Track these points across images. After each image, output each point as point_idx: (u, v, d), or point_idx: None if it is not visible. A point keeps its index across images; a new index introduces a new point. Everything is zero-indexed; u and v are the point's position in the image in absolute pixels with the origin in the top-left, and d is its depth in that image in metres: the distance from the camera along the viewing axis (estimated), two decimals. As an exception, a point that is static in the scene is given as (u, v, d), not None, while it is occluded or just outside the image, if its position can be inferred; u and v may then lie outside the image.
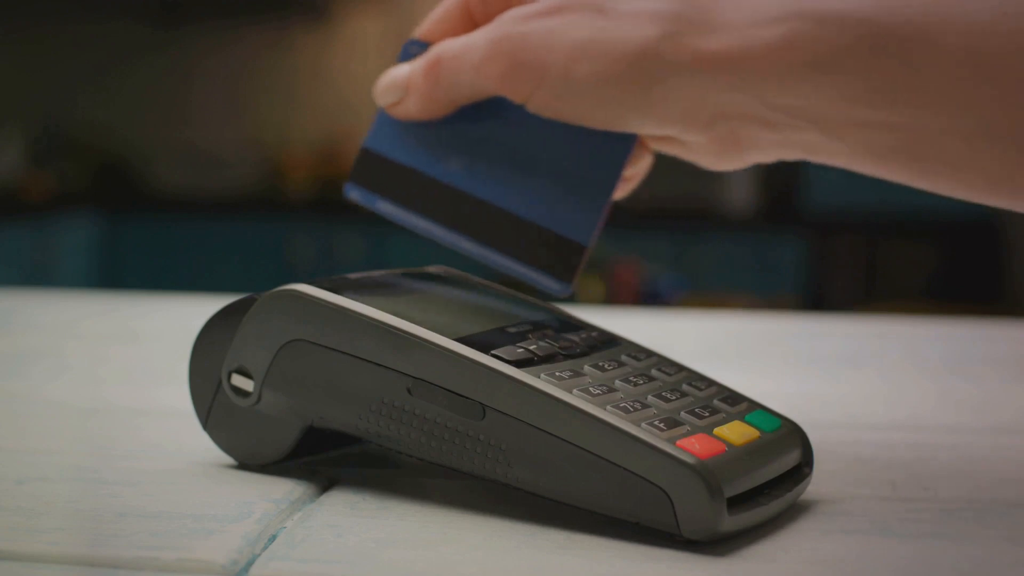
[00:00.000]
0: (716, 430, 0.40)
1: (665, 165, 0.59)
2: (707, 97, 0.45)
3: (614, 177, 0.49)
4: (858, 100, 0.43)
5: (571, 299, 0.52)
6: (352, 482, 0.44)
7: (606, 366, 0.42)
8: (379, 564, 0.36)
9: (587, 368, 0.41)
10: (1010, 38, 0.41)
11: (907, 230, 3.70)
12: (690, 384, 0.43)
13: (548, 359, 0.41)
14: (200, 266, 3.83)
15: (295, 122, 4.15)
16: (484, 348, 0.40)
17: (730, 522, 0.37)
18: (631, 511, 0.38)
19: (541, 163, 0.49)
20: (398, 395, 0.41)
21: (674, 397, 0.41)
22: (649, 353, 0.45)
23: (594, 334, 0.45)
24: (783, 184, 3.78)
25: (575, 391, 0.39)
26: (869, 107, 0.43)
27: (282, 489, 0.43)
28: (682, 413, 0.40)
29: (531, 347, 0.41)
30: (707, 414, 0.41)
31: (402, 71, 0.51)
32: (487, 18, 0.50)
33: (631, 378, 0.42)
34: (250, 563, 0.36)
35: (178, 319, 0.86)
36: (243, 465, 0.45)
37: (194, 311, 0.55)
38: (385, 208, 0.51)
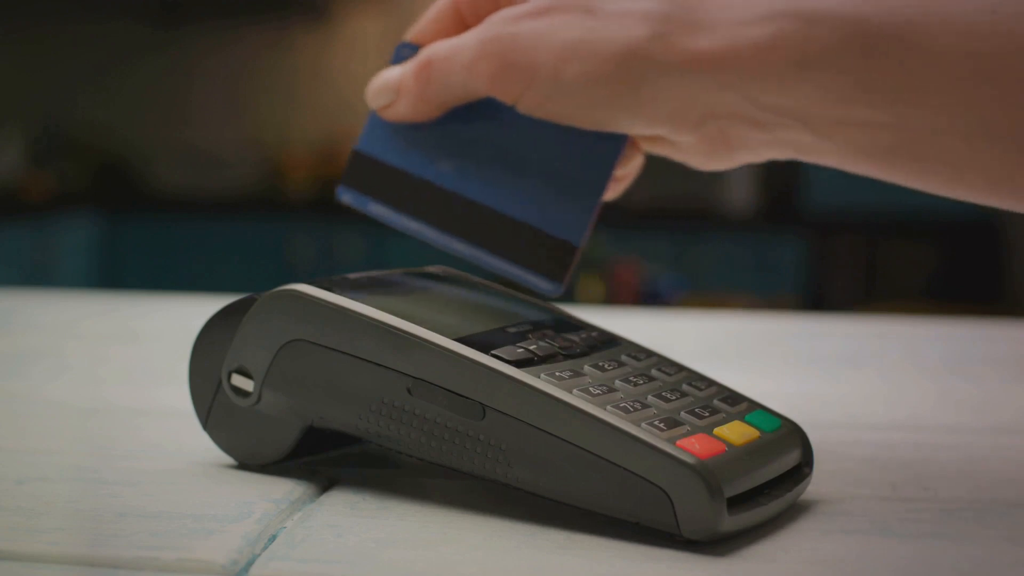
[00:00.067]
0: (716, 430, 0.40)
1: (665, 165, 0.59)
2: (696, 97, 0.45)
3: (605, 177, 0.49)
4: (848, 100, 0.43)
5: (571, 299, 0.52)
6: (352, 482, 0.44)
7: (606, 366, 0.42)
8: (379, 564, 0.36)
9: (587, 368, 0.41)
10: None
11: (907, 230, 3.70)
12: (690, 384, 0.43)
13: (548, 359, 0.41)
14: (200, 266, 3.83)
15: (295, 122, 4.15)
16: (484, 348, 0.40)
17: (730, 522, 0.37)
18: (631, 511, 0.38)
19: (532, 163, 0.49)
20: (398, 395, 0.41)
21: (674, 397, 0.41)
22: (649, 353, 0.45)
23: (594, 334, 0.45)
24: (783, 184, 3.78)
25: (575, 391, 0.39)
26: (859, 107, 0.43)
27: (282, 489, 0.43)
28: (682, 413, 0.40)
29: (531, 347, 0.41)
30: (707, 414, 0.41)
31: (393, 73, 0.51)
32: (477, 19, 0.50)
33: (631, 378, 0.42)
34: (250, 563, 0.36)
35: (178, 319, 0.86)
36: (243, 465, 0.45)
37: (194, 311, 0.55)
38: (377, 211, 0.51)
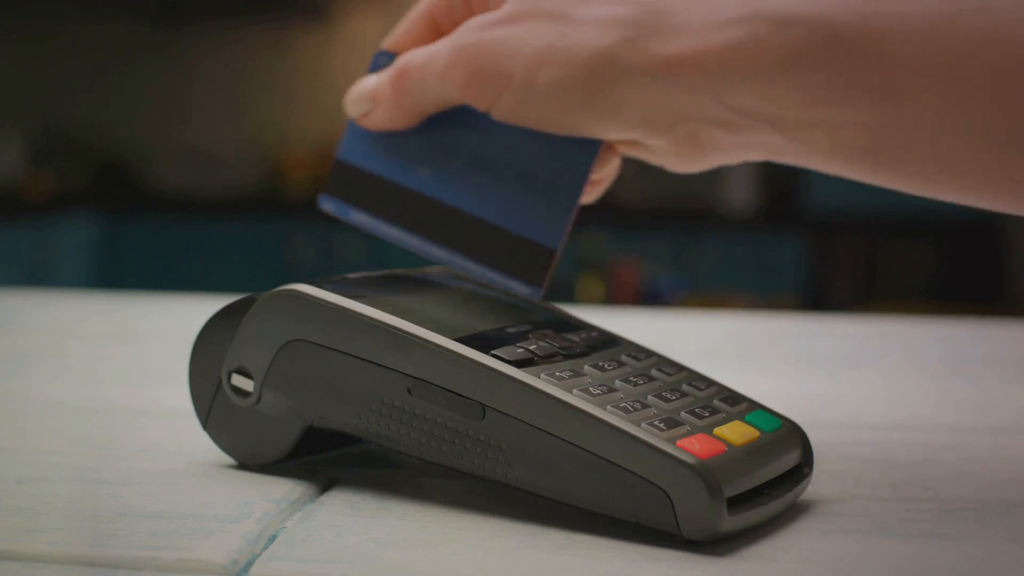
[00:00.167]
0: (716, 430, 0.40)
1: (665, 165, 0.59)
2: (667, 101, 0.46)
3: (581, 181, 0.50)
4: (818, 101, 0.44)
5: (571, 299, 0.52)
6: (352, 482, 0.44)
7: (606, 366, 0.42)
8: (379, 564, 0.36)
9: (587, 368, 0.41)
10: (975, 35, 0.41)
11: (907, 230, 3.70)
12: (690, 384, 0.43)
13: (548, 359, 0.41)
14: (200, 266, 3.83)
15: (295, 122, 4.15)
16: (484, 348, 0.40)
17: (730, 522, 0.37)
18: (631, 511, 0.38)
19: (509, 169, 0.50)
20: (398, 395, 0.41)
21: (674, 397, 0.41)
22: (649, 353, 0.45)
23: (594, 334, 0.45)
24: (783, 184, 3.78)
25: (575, 391, 0.39)
26: (830, 108, 0.44)
27: (282, 489, 0.43)
28: (682, 413, 0.40)
29: (531, 347, 0.41)
30: (707, 414, 0.41)
31: (370, 82, 0.51)
32: (452, 26, 0.51)
33: (631, 378, 0.42)
34: (250, 563, 0.36)
35: (178, 319, 0.86)
36: (243, 465, 0.45)
37: (194, 311, 0.55)
38: (358, 219, 0.52)
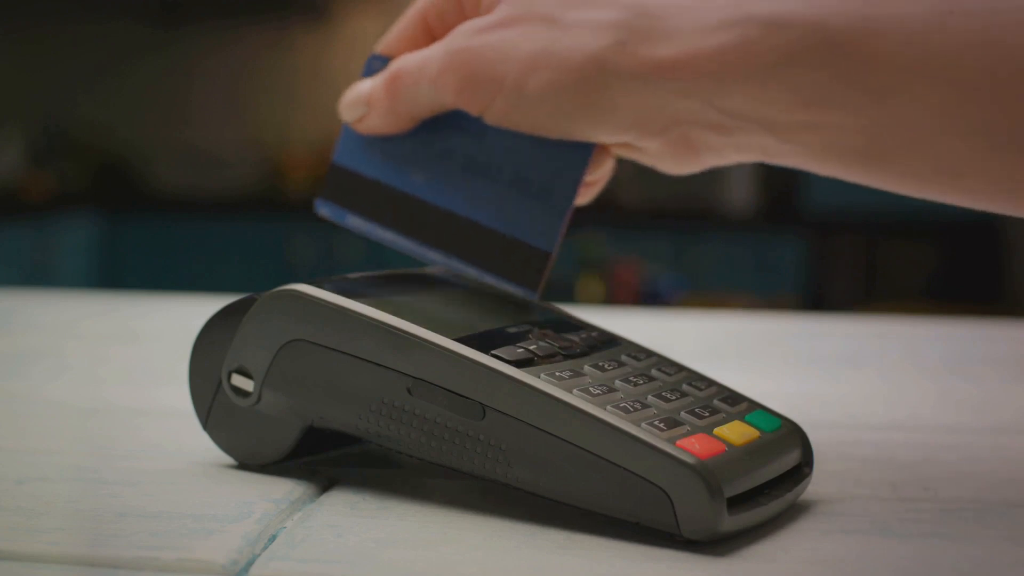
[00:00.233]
0: (716, 430, 0.40)
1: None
2: (659, 104, 0.46)
3: (575, 184, 0.50)
4: (810, 104, 0.44)
5: (571, 299, 0.52)
6: (352, 482, 0.44)
7: (606, 366, 0.42)
8: (379, 564, 0.36)
9: (587, 368, 0.41)
10: (964, 37, 0.42)
11: (907, 230, 3.70)
12: (690, 384, 0.43)
13: (548, 359, 0.41)
14: (200, 266, 3.83)
15: (295, 122, 4.15)
16: (484, 348, 0.40)
17: (730, 522, 0.37)
18: (631, 511, 0.38)
19: (503, 172, 0.50)
20: (398, 395, 0.41)
21: (674, 397, 0.41)
22: (649, 353, 0.45)
23: (594, 334, 0.45)
24: (783, 184, 3.78)
25: (575, 391, 0.39)
26: (822, 110, 0.44)
27: (282, 489, 0.43)
28: (682, 413, 0.40)
29: (531, 347, 0.41)
30: (707, 414, 0.41)
31: (364, 87, 0.52)
32: (445, 30, 0.51)
33: (631, 378, 0.42)
34: (250, 563, 0.36)
35: (178, 319, 0.86)
36: (243, 465, 0.45)
37: (194, 311, 0.55)
38: (354, 223, 0.52)
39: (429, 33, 0.52)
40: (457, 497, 0.42)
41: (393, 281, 0.48)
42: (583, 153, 0.49)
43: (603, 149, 0.51)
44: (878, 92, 0.43)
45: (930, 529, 0.40)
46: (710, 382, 0.44)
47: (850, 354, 0.83)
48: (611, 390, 0.40)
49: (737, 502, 0.38)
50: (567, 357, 0.42)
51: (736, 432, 0.40)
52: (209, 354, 0.45)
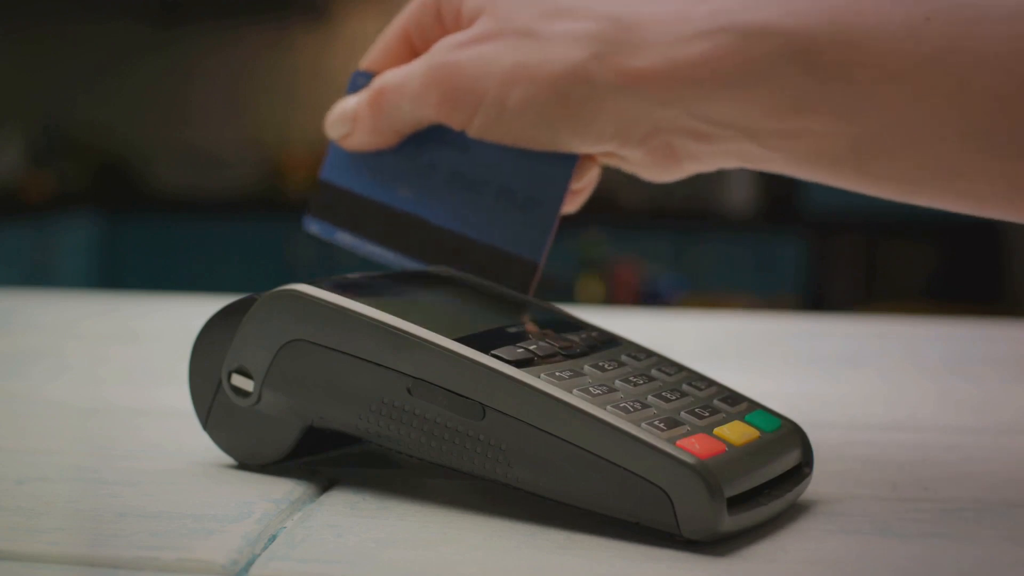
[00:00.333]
0: (716, 430, 0.40)
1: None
2: (639, 114, 0.46)
3: (560, 194, 0.50)
4: (788, 111, 0.44)
5: (571, 299, 0.52)
6: (352, 482, 0.44)
7: (606, 366, 0.42)
8: (379, 564, 0.36)
9: (587, 368, 0.41)
10: (932, 43, 0.42)
11: (907, 230, 3.70)
12: (690, 384, 0.43)
13: (548, 359, 0.41)
14: (200, 266, 3.83)
15: (295, 122, 4.15)
16: (484, 348, 0.40)
17: (730, 522, 0.37)
18: (631, 511, 0.38)
19: (488, 185, 0.50)
20: (398, 395, 0.41)
21: (674, 397, 0.41)
22: (649, 353, 0.45)
23: (594, 334, 0.45)
24: (783, 184, 3.78)
25: (575, 391, 0.39)
26: (802, 118, 0.44)
27: (282, 489, 0.43)
28: (682, 413, 0.40)
29: (531, 347, 0.41)
30: (707, 414, 0.41)
31: (349, 103, 0.52)
32: (426, 45, 0.52)
33: (631, 378, 0.42)
34: (250, 563, 0.36)
35: (178, 319, 0.86)
36: (243, 465, 0.45)
37: (194, 311, 0.55)
38: (343, 239, 0.53)
39: (411, 48, 0.53)
40: (457, 497, 0.42)
41: (393, 281, 0.48)
42: (567, 163, 0.50)
43: (588, 158, 0.51)
44: (856, 99, 0.43)
45: (930, 529, 0.40)
46: (710, 382, 0.44)
47: (850, 354, 0.83)
48: (611, 390, 0.40)
49: (737, 502, 0.38)
50: (567, 357, 0.42)
51: (736, 432, 0.40)
52: (209, 354, 0.45)
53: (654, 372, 0.43)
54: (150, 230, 3.96)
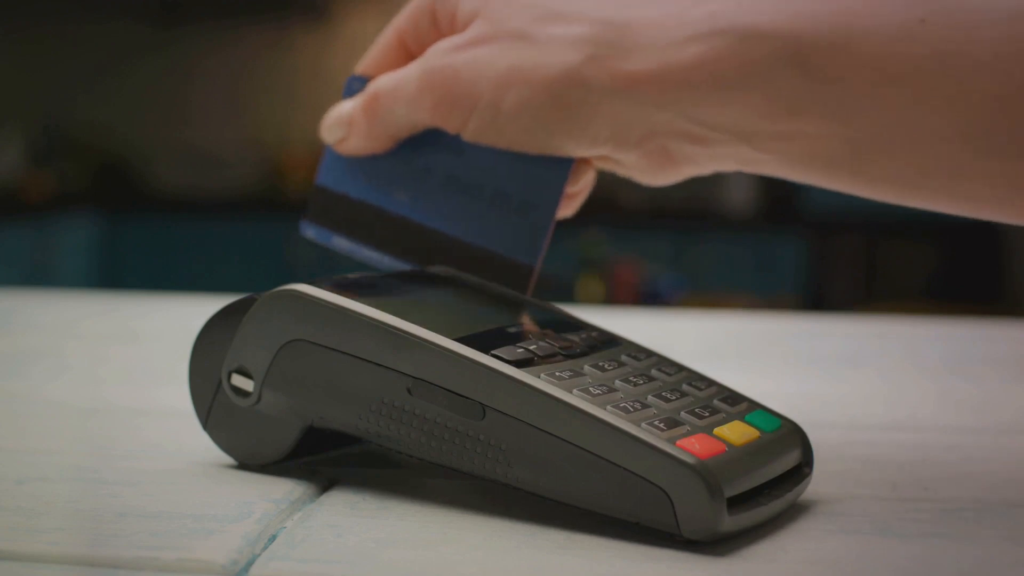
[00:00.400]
0: (716, 430, 0.40)
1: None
2: (634, 118, 0.46)
3: (555, 198, 0.50)
4: (782, 113, 0.44)
5: (571, 299, 0.52)
6: (352, 482, 0.44)
7: (606, 366, 0.42)
8: (379, 564, 0.36)
9: (587, 368, 0.41)
10: (927, 47, 0.42)
11: (907, 230, 3.70)
12: (690, 384, 0.43)
13: (548, 359, 0.41)
14: (200, 266, 3.82)
15: (295, 122, 4.15)
16: (484, 348, 0.40)
17: (730, 522, 0.37)
18: (631, 511, 0.38)
19: (484, 189, 0.51)
20: (398, 395, 0.41)
21: (674, 397, 0.41)
22: (649, 353, 0.45)
23: (594, 334, 0.45)
24: (783, 184, 3.78)
25: (575, 391, 0.39)
26: (796, 121, 0.44)
27: (282, 489, 0.43)
28: (682, 413, 0.40)
29: (531, 347, 0.41)
30: (707, 414, 0.41)
31: (345, 108, 0.52)
32: (421, 49, 0.52)
33: (631, 378, 0.42)
34: (250, 563, 0.36)
35: (178, 319, 0.86)
36: (243, 465, 0.45)
37: (194, 311, 0.55)
38: (340, 244, 0.53)
39: (407, 52, 0.53)
40: (457, 497, 0.42)
41: (393, 281, 0.48)
42: (562, 167, 0.50)
43: (584, 161, 0.51)
44: (851, 101, 0.43)
45: (930, 529, 0.40)
46: (710, 382, 0.44)
47: (850, 354, 0.83)
48: (611, 390, 0.40)
49: (737, 502, 0.38)
50: (567, 357, 0.42)
51: (736, 432, 0.40)
52: (209, 354, 0.45)
53: (654, 372, 0.43)
54: (150, 230, 3.96)
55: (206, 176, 4.08)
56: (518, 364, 0.40)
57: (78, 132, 4.20)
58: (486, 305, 0.47)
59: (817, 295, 3.68)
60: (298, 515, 0.41)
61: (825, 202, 3.59)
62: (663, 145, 0.47)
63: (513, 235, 0.50)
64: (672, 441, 0.38)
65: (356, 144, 0.52)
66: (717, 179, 3.73)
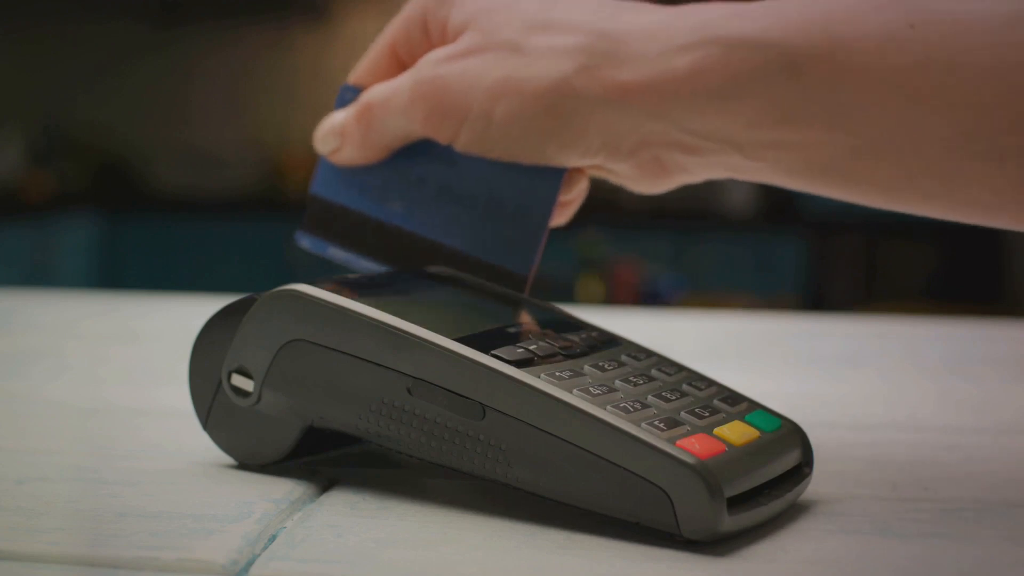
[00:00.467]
0: (716, 430, 0.40)
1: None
2: (626, 128, 0.46)
3: (548, 207, 0.50)
4: (776, 123, 0.44)
5: (571, 299, 0.53)
6: (352, 482, 0.44)
7: (606, 366, 0.42)
8: (379, 564, 0.36)
9: (587, 368, 0.41)
10: (926, 51, 0.42)
11: (907, 230, 3.70)
12: (690, 384, 0.43)
13: (548, 359, 0.41)
14: (200, 266, 3.82)
15: (295, 122, 4.15)
16: (484, 348, 0.40)
17: (730, 522, 0.37)
18: (631, 511, 0.38)
19: (477, 199, 0.51)
20: (398, 395, 0.41)
21: (674, 397, 0.41)
22: (649, 353, 0.45)
23: (594, 334, 0.45)
24: (783, 184, 3.78)
25: (575, 391, 0.39)
26: (787, 129, 0.44)
27: (282, 489, 0.43)
28: (682, 413, 0.40)
29: (531, 347, 0.41)
30: (707, 414, 0.41)
31: (338, 118, 0.53)
32: (413, 59, 0.52)
33: (631, 378, 0.42)
34: (250, 563, 0.36)
35: (178, 319, 0.86)
36: (243, 465, 0.45)
37: (194, 311, 0.55)
38: (336, 254, 0.53)
39: (399, 62, 0.53)
40: (457, 497, 0.42)
41: (393, 281, 0.48)
42: (555, 176, 0.50)
43: (577, 170, 0.51)
44: (841, 108, 0.43)
45: (930, 529, 0.40)
46: (710, 382, 0.44)
47: (850, 354, 0.83)
48: (611, 390, 0.40)
49: (737, 502, 0.38)
50: (567, 357, 0.42)
51: (736, 432, 0.40)
52: (209, 354, 0.45)
53: (654, 372, 0.43)
54: (150, 230, 3.96)
55: (206, 176, 4.08)
56: (518, 364, 0.40)
57: (78, 132, 4.19)
58: (486, 305, 0.47)
59: (817, 295, 3.68)
60: (298, 515, 0.41)
61: (825, 202, 3.57)
62: (655, 155, 0.48)
63: (506, 244, 0.51)
64: (672, 441, 0.38)
65: (349, 154, 0.52)
66: (717, 180, 3.73)
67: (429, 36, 0.51)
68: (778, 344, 0.87)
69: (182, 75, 4.27)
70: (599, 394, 0.40)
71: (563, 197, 0.51)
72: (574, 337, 0.44)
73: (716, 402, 0.42)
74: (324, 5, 4.17)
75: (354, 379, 0.41)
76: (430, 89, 0.49)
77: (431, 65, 0.49)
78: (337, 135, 0.52)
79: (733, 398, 0.43)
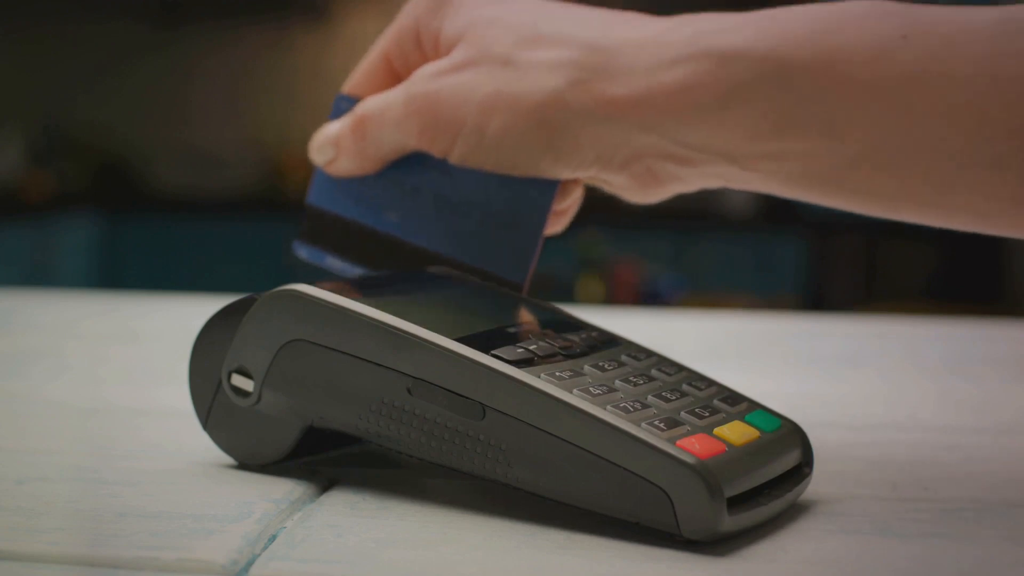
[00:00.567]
0: (716, 430, 0.40)
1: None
2: (618, 141, 0.47)
3: (542, 217, 0.51)
4: (768, 134, 0.45)
5: (571, 299, 0.53)
6: (352, 482, 0.44)
7: (606, 366, 0.42)
8: (379, 564, 0.36)
9: (587, 368, 0.41)
10: (908, 64, 0.42)
11: (907, 230, 3.69)
12: (690, 384, 0.43)
13: (548, 359, 0.41)
14: (200, 266, 3.82)
15: (295, 122, 4.15)
16: (484, 348, 0.40)
17: (730, 522, 0.37)
18: (631, 511, 0.38)
19: (472, 209, 0.51)
20: (398, 395, 0.41)
21: (674, 397, 0.41)
22: (649, 353, 0.45)
23: (594, 334, 0.45)
24: (783, 184, 3.78)
25: (575, 391, 0.39)
26: (780, 140, 0.45)
27: (282, 489, 0.43)
28: (682, 413, 0.40)
29: (531, 347, 0.41)
30: (707, 414, 0.41)
31: (333, 129, 0.53)
32: (406, 70, 0.52)
33: (631, 378, 0.42)
34: (250, 563, 0.36)
35: (178, 319, 0.86)
36: (243, 465, 0.45)
37: (194, 311, 0.55)
38: (333, 264, 0.53)
39: (393, 72, 0.53)
40: (457, 497, 0.42)
41: (393, 281, 0.48)
42: (549, 186, 0.50)
43: (571, 179, 0.51)
44: (835, 118, 0.43)
45: (930, 529, 0.40)
46: (710, 382, 0.44)
47: (850, 354, 0.83)
48: (611, 390, 0.40)
49: (737, 502, 0.38)
50: (567, 357, 0.42)
51: (736, 432, 0.40)
52: (209, 354, 0.45)
53: (654, 372, 0.43)
54: (150, 230, 3.96)
55: (206, 176, 4.08)
56: (518, 364, 0.40)
57: (78, 132, 4.20)
58: (486, 305, 0.47)
59: (817, 295, 3.68)
60: (298, 515, 0.41)
61: (825, 202, 3.59)
62: (649, 166, 0.48)
63: (501, 253, 0.51)
64: (672, 441, 0.38)
65: (345, 165, 0.52)
66: (717, 179, 3.73)
67: (422, 47, 0.51)
68: (778, 344, 0.87)
69: (182, 75, 4.27)
70: (599, 394, 0.40)
71: (558, 206, 0.52)
72: (574, 337, 0.44)
73: (716, 402, 0.42)
74: (324, 5, 4.17)
75: (354, 379, 0.41)
76: (424, 104, 0.49)
77: (424, 79, 0.49)
78: (332, 146, 0.52)
79: (733, 398, 0.43)
